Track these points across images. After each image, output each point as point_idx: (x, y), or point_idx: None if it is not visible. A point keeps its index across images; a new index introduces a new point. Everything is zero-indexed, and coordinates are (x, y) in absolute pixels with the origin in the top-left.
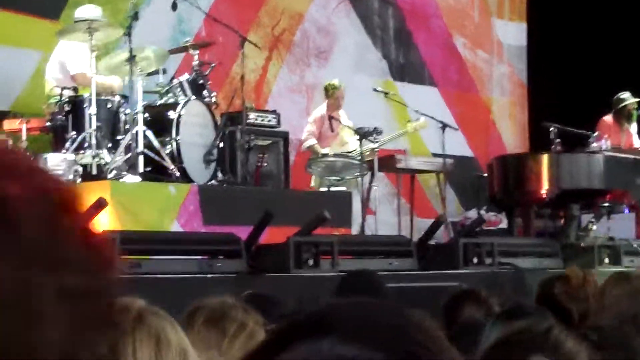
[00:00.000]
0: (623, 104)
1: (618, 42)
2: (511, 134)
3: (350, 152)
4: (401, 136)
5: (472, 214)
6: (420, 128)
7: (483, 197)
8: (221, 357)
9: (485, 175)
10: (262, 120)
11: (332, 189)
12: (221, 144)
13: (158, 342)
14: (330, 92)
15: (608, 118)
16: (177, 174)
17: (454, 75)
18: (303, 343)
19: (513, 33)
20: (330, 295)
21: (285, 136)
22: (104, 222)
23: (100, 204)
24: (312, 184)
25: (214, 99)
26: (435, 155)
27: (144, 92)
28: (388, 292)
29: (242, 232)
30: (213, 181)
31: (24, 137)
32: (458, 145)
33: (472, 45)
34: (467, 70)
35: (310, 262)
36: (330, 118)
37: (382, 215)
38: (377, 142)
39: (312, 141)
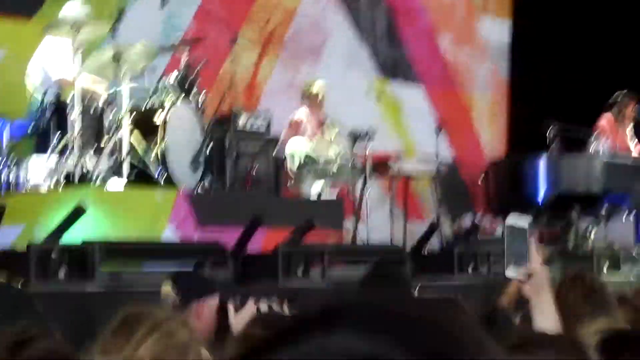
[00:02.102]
0: (622, 104)
1: (605, 40)
2: (490, 134)
3: (336, 155)
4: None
5: (467, 220)
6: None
7: (470, 202)
8: None
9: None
10: (252, 126)
11: (324, 193)
12: (209, 148)
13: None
14: (304, 92)
15: (607, 117)
16: (162, 179)
17: (438, 72)
18: (310, 338)
19: (497, 30)
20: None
21: (275, 141)
22: (86, 230)
23: (78, 211)
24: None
25: (202, 99)
26: (423, 159)
27: (131, 91)
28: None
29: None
30: (201, 186)
31: (4, 141)
32: (442, 147)
33: (457, 42)
34: (450, 68)
35: (300, 271)
36: (316, 120)
37: (374, 220)
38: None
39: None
